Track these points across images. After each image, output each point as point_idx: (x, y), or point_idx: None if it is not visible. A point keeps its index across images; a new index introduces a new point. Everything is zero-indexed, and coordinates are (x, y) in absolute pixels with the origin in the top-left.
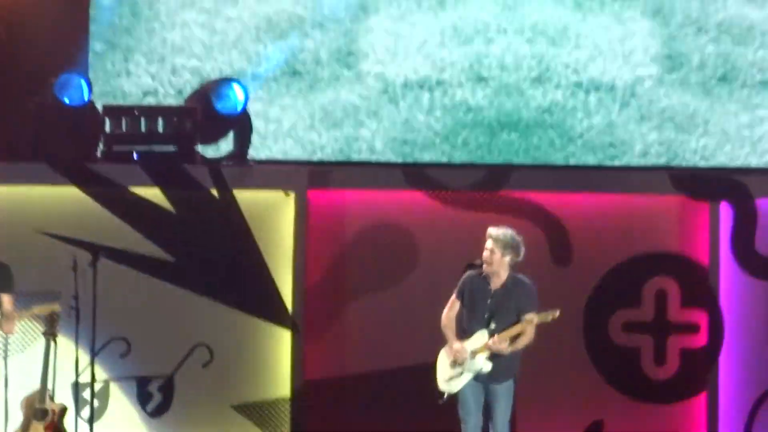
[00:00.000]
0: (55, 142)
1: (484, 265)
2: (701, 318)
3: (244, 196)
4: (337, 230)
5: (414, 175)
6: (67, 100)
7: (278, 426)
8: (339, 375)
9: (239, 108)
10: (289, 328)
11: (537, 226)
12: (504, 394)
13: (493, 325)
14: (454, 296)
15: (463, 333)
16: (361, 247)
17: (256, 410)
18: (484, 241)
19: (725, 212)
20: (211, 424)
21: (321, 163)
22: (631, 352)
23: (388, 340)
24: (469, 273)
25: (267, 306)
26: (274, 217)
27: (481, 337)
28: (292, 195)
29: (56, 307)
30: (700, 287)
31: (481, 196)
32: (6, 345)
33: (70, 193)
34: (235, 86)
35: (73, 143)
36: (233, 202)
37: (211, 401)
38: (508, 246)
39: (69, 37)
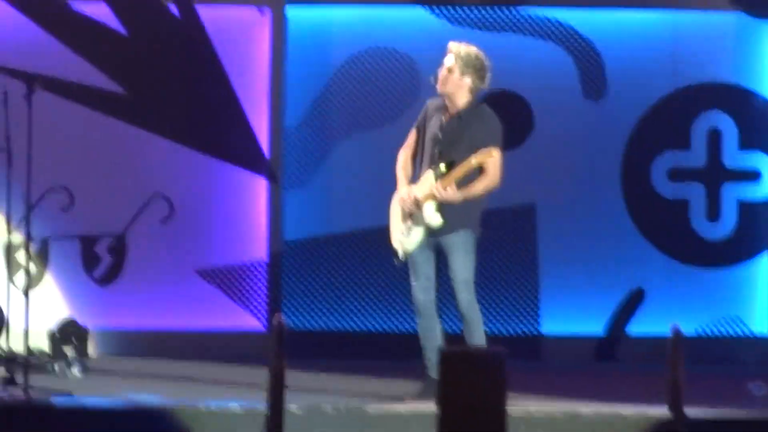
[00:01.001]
0: None
1: (438, 86)
2: (763, 163)
3: (210, 14)
4: (322, 56)
5: None
6: None
7: (251, 294)
8: (325, 233)
9: None
10: (265, 177)
11: (564, 51)
12: (457, 247)
13: (442, 166)
14: (413, 129)
15: (418, 176)
16: (351, 77)
17: (226, 276)
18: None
19: None
20: (170, 292)
21: None
22: (678, 204)
23: (384, 190)
24: (429, 101)
25: (238, 149)
26: (247, 41)
27: (428, 181)
28: (268, 12)
29: None
30: (761, 125)
31: (496, 12)
32: None
33: None
34: None
35: None
36: (197, 21)
37: (171, 265)
38: (470, 65)
39: None
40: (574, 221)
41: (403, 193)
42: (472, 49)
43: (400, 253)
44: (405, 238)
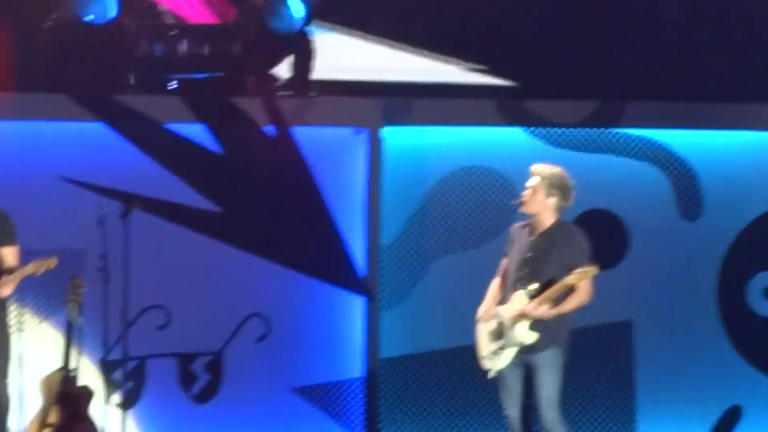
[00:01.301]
0: (78, 68)
1: (521, 207)
2: None
3: (305, 135)
4: (418, 176)
5: (511, 108)
6: (91, 18)
7: (347, 412)
8: (421, 351)
9: (298, 26)
10: (361, 295)
11: (660, 171)
12: (545, 364)
13: (533, 285)
14: (502, 257)
15: (507, 297)
16: (446, 197)
17: (322, 394)
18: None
19: None
20: (267, 410)
21: (398, 91)
22: None
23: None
24: (513, 225)
25: (334, 268)
26: (342, 160)
27: (519, 301)
28: (364, 133)
29: (52, 262)
30: None
31: (591, 133)
32: (21, 316)
33: (95, 131)
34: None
35: (98, 70)
36: (292, 142)
37: (267, 383)
38: (555, 185)
39: None
40: (671, 339)
41: (481, 311)
42: (556, 170)
43: (492, 372)
44: (497, 358)
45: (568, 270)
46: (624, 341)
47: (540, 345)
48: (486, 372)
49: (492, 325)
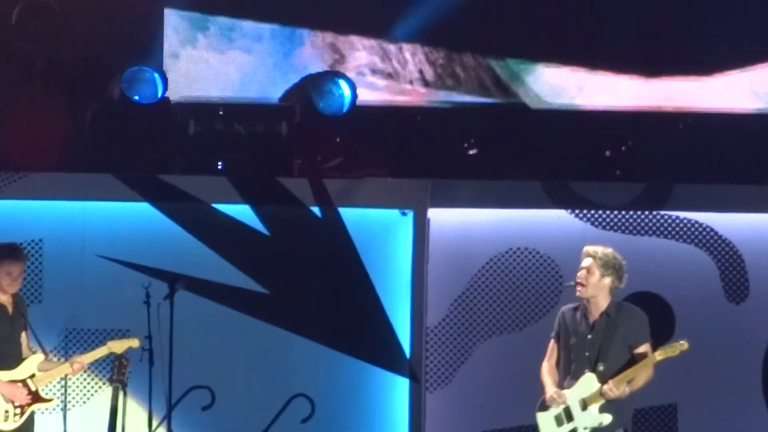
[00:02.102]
0: (123, 148)
1: (578, 289)
2: None
3: (352, 215)
4: (464, 257)
5: (557, 191)
6: (137, 98)
7: None
8: None
9: (346, 107)
10: (406, 377)
11: (706, 253)
12: None
13: (601, 366)
14: (551, 340)
15: (568, 380)
16: (492, 278)
17: None
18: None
19: None
20: None
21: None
22: None
23: (526, 391)
24: (562, 308)
25: (380, 349)
26: (389, 241)
27: (588, 383)
28: (410, 214)
29: (135, 341)
30: None
31: (638, 216)
32: (65, 395)
33: (141, 211)
34: (341, 81)
35: (144, 150)
36: (339, 223)
37: None
38: (609, 265)
39: (139, 23)
40: (716, 422)
41: (550, 391)
42: (609, 251)
43: None
44: None
45: (630, 349)
46: (669, 424)
47: (610, 426)
48: None
49: (557, 410)
